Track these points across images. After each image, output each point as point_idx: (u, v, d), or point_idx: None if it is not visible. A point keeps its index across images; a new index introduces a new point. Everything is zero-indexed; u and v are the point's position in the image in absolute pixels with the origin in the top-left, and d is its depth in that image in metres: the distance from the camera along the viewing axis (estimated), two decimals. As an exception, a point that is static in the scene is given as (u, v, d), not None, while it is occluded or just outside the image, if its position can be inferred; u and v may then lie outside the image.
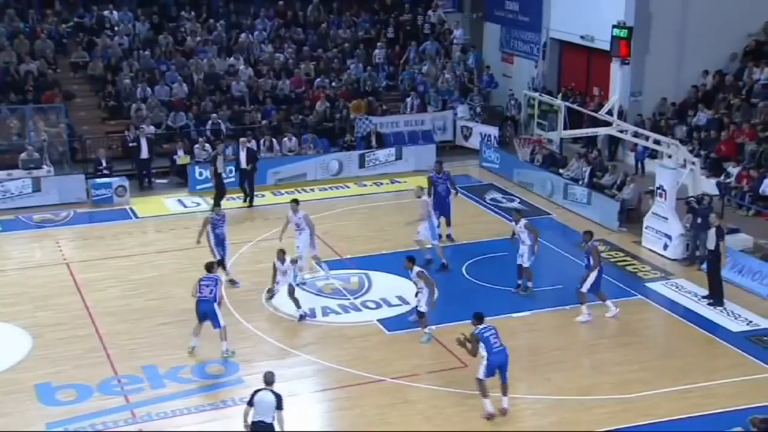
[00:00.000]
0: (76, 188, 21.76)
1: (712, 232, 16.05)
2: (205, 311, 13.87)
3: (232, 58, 27.06)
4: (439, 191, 18.59)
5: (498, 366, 12.23)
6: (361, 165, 24.21)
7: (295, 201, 17.26)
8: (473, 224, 19.97)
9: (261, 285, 16.75)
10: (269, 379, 10.95)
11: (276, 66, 27.18)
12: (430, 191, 18.49)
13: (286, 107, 25.94)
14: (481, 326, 12.35)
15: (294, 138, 24.19)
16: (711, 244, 16.03)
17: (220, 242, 16.52)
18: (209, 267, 14.45)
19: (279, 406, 10.73)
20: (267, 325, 15.34)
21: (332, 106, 26.00)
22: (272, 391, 10.80)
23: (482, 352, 12.15)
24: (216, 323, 13.94)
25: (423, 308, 14.49)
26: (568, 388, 13.33)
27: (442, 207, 18.60)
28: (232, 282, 16.69)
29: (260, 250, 18.68)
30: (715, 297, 16.08)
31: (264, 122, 25.12)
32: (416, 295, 14.75)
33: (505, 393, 12.45)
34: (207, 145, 23.56)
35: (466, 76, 28.44)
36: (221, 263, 16.20)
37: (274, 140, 24.01)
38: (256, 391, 10.88)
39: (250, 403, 10.82)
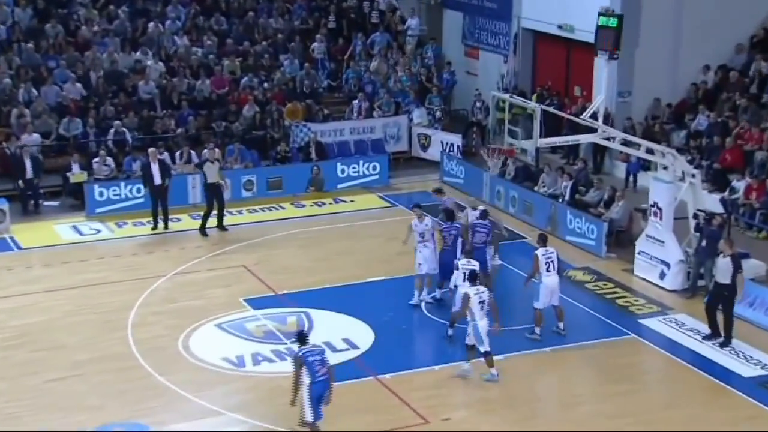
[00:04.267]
0: (-59, 213, 21.37)
1: (724, 261, 15.93)
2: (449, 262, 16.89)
3: (138, 53, 26.91)
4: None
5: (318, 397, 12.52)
6: (298, 181, 24.28)
7: (418, 206, 17.58)
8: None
9: (176, 329, 16.55)
10: None
11: (193, 62, 27.10)
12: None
13: (207, 112, 25.85)
14: (305, 347, 12.60)
15: (217, 149, 24.05)
16: (724, 277, 15.88)
17: None
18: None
19: None
20: (184, 377, 15.14)
21: (262, 111, 25.97)
22: None
23: (304, 378, 12.42)
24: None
25: None
26: (550, 447, 13.40)
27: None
28: None
29: (175, 285, 18.48)
30: (727, 337, 16.18)
31: (179, 130, 24.97)
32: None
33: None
34: (109, 158, 23.34)
35: (423, 73, 28.67)
36: None
37: (192, 152, 23.85)
38: None
39: None
